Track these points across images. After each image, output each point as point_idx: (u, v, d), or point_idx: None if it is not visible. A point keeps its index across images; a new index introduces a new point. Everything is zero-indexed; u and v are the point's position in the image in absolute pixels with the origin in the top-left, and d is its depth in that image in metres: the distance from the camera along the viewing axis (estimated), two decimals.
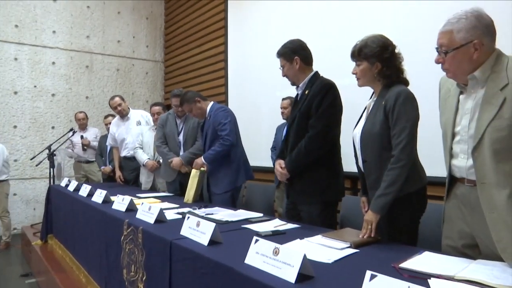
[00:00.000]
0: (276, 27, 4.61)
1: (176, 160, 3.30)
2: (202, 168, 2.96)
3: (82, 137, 5.35)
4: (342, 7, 3.80)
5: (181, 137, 3.49)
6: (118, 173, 4.28)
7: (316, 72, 2.31)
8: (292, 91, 2.48)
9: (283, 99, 4.02)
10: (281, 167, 2.24)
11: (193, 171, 2.94)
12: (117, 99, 4.23)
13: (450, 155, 1.51)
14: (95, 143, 5.41)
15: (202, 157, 2.97)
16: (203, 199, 3.24)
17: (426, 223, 1.84)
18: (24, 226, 5.39)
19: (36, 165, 5.27)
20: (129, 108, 4.37)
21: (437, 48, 1.45)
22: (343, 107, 2.26)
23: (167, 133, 3.52)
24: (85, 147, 5.37)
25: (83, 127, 5.53)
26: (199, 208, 2.50)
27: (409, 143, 1.66)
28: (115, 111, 4.32)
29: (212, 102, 3.16)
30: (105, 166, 4.92)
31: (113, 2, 6.82)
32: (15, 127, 5.94)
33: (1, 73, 5.82)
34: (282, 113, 4.01)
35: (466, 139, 1.43)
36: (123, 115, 4.27)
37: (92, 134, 5.52)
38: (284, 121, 4.05)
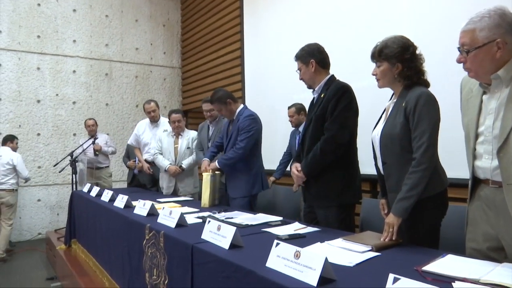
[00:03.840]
0: (292, 31, 4.61)
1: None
2: (216, 172, 2.97)
3: (93, 142, 5.27)
4: (358, 9, 3.78)
5: (210, 143, 3.60)
6: (145, 165, 4.27)
7: (332, 76, 2.30)
8: (308, 94, 2.48)
9: (289, 107, 4.02)
10: (298, 170, 2.24)
11: (205, 176, 2.93)
12: (153, 104, 4.29)
13: (473, 156, 1.48)
14: (106, 149, 5.51)
15: (216, 161, 2.99)
16: (222, 202, 3.25)
17: (448, 226, 1.81)
18: (48, 231, 5.53)
19: (59, 172, 5.40)
20: (160, 115, 4.43)
21: (459, 48, 1.43)
22: (359, 110, 2.25)
23: (201, 140, 3.73)
24: (97, 152, 5.42)
25: (92, 133, 5.54)
26: (219, 212, 2.52)
27: (430, 146, 1.64)
28: (148, 115, 4.36)
29: (242, 105, 3.18)
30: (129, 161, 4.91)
31: (131, 11, 6.96)
32: (38, 134, 6.11)
33: (25, 82, 6.00)
34: (290, 121, 4.01)
35: (490, 139, 1.40)
36: (154, 121, 4.34)
37: (102, 141, 5.55)
38: None
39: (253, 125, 2.99)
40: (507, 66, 1.36)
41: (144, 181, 4.46)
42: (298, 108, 3.94)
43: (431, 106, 1.67)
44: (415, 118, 1.66)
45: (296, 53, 2.33)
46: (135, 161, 4.69)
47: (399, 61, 1.74)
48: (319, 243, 1.65)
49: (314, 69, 2.26)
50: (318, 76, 2.28)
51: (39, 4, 6.11)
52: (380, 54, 1.78)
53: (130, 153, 5.07)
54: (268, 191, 3.69)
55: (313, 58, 2.26)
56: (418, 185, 1.63)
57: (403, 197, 1.65)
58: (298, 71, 2.33)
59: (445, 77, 2.41)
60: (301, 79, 2.35)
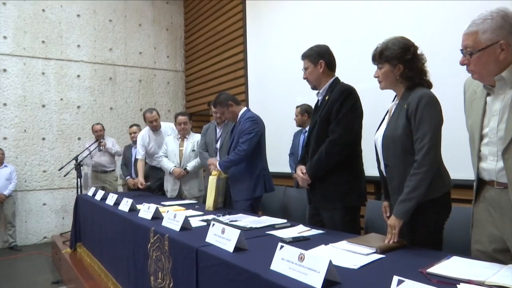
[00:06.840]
0: (294, 34, 4.62)
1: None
2: (222, 175, 2.97)
3: (99, 142, 5.31)
4: (361, 11, 3.78)
5: (218, 144, 3.58)
6: (142, 181, 4.20)
7: (336, 78, 2.30)
8: (312, 97, 2.48)
9: (297, 106, 4.12)
10: (302, 173, 2.24)
11: (210, 178, 2.94)
12: (155, 113, 4.20)
13: (478, 157, 1.48)
14: (110, 146, 5.52)
15: (217, 163, 3.00)
16: (226, 205, 3.25)
17: (453, 227, 1.80)
18: (53, 235, 5.55)
19: (64, 176, 5.43)
20: (160, 124, 4.39)
21: (461, 50, 1.43)
22: (363, 111, 2.25)
23: (207, 142, 3.69)
24: (101, 148, 5.36)
25: (100, 138, 5.55)
26: (223, 215, 2.52)
27: (432, 147, 1.62)
28: (149, 125, 4.24)
29: (245, 108, 3.19)
30: (130, 177, 4.94)
31: (134, 15, 7.00)
32: (43, 139, 6.14)
33: (30, 87, 6.05)
34: (295, 120, 4.09)
35: (495, 141, 1.40)
36: (156, 129, 4.30)
37: (109, 143, 5.57)
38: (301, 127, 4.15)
39: (254, 126, 2.99)
40: (511, 67, 1.36)
41: (150, 184, 4.46)
42: (302, 109, 4.01)
43: (433, 107, 1.66)
44: (417, 120, 1.65)
45: (304, 52, 2.31)
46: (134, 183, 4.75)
47: (400, 62, 1.74)
48: (323, 245, 1.65)
49: (322, 70, 2.26)
50: (325, 77, 2.28)
51: (43, 10, 6.16)
52: (380, 56, 1.78)
53: (127, 160, 5.09)
54: (279, 193, 3.70)
55: (323, 59, 2.25)
56: (419, 187, 1.62)
57: (404, 199, 1.64)
58: (304, 70, 2.32)
59: (449, 77, 2.40)
60: (305, 78, 2.33)
